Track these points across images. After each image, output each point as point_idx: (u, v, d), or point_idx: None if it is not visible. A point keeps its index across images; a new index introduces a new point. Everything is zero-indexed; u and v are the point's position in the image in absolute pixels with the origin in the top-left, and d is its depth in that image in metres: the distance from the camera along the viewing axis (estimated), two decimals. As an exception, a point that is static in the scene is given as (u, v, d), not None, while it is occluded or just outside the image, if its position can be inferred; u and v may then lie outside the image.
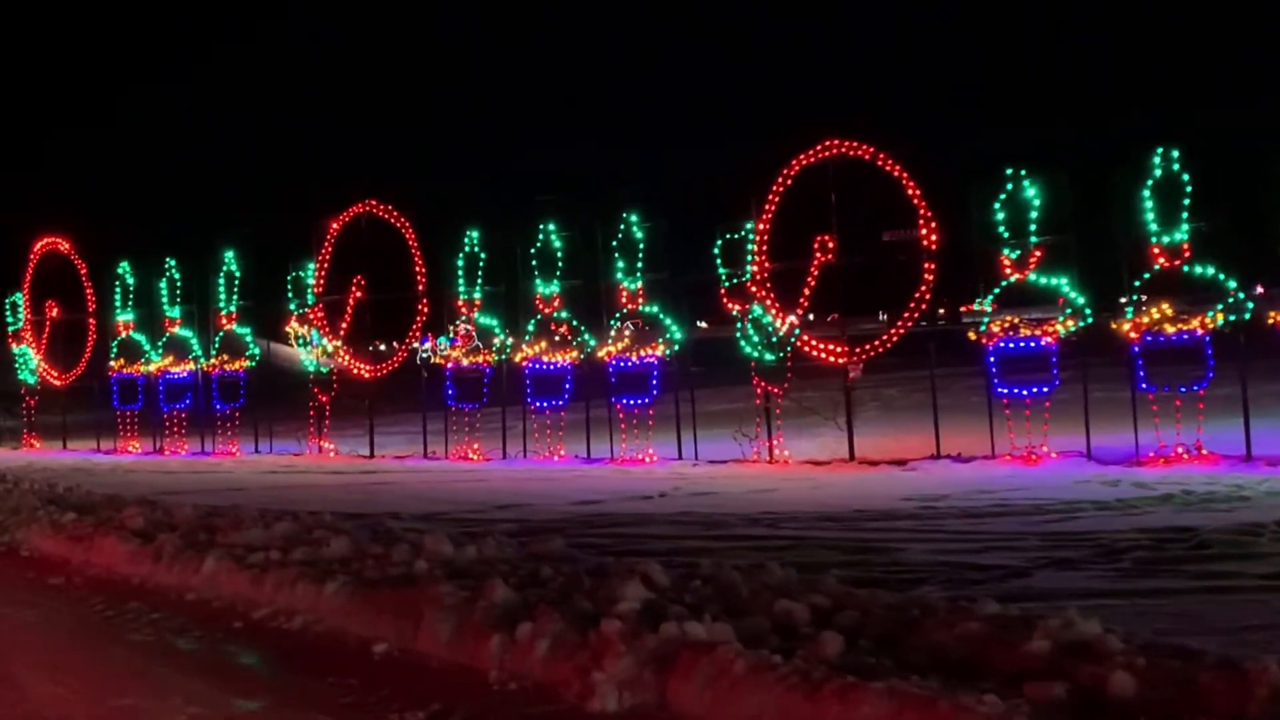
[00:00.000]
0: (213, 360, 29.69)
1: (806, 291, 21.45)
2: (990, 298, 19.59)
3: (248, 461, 27.05)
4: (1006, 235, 19.40)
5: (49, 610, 10.29)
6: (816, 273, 21.29)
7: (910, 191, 20.45)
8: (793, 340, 21.60)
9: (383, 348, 29.07)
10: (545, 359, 24.60)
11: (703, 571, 8.41)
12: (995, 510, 13.57)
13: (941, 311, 23.39)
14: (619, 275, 23.50)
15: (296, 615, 9.21)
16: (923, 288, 20.35)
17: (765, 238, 21.83)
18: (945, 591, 8.47)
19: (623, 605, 7.38)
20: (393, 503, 16.23)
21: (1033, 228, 19.21)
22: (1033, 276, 19.30)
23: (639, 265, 23.33)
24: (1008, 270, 19.44)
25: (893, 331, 20.79)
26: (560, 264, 24.47)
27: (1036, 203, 19.21)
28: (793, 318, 21.47)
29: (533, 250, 24.64)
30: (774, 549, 10.74)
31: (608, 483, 19.04)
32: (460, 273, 25.65)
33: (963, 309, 20.46)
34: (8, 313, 34.62)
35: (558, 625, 7.17)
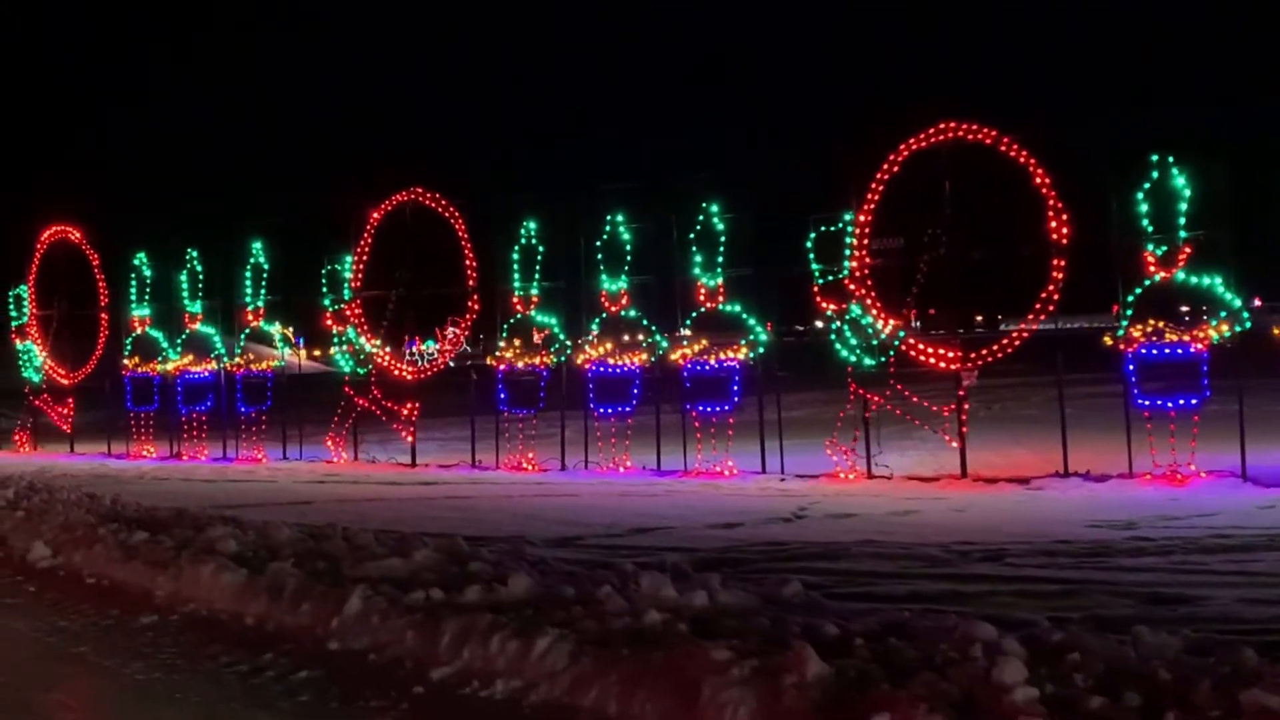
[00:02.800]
0: (237, 359, 27.58)
1: (914, 290, 19.54)
2: (1131, 298, 17.70)
3: (282, 469, 24.95)
4: (1150, 229, 17.52)
5: (164, 666, 8.32)
6: (926, 269, 19.37)
7: (1038, 180, 18.56)
8: (897, 343, 19.68)
9: (421, 347, 27.00)
10: (611, 361, 22.63)
11: (1077, 642, 6.45)
12: (1227, 541, 11.68)
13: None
14: (696, 271, 21.54)
15: (496, 680, 7.27)
16: (1050, 287, 18.45)
17: (867, 230, 19.92)
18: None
19: (1017, 695, 5.43)
20: (499, 523, 14.28)
21: (1181, 221, 17.34)
22: (1180, 275, 17.44)
23: (719, 260, 21.39)
24: (1151, 268, 17.57)
25: (1015, 334, 18.88)
26: (629, 258, 22.49)
27: (1186, 193, 17.34)
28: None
29: (598, 243, 22.65)
30: (1045, 595, 8.85)
31: (711, 499, 17.16)
32: (516, 267, 23.65)
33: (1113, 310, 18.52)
34: (11, 306, 32.36)
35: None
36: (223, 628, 9.26)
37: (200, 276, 28.33)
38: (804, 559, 10.81)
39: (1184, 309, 17.67)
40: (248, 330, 27.43)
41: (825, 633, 6.82)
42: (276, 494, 18.78)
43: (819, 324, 20.94)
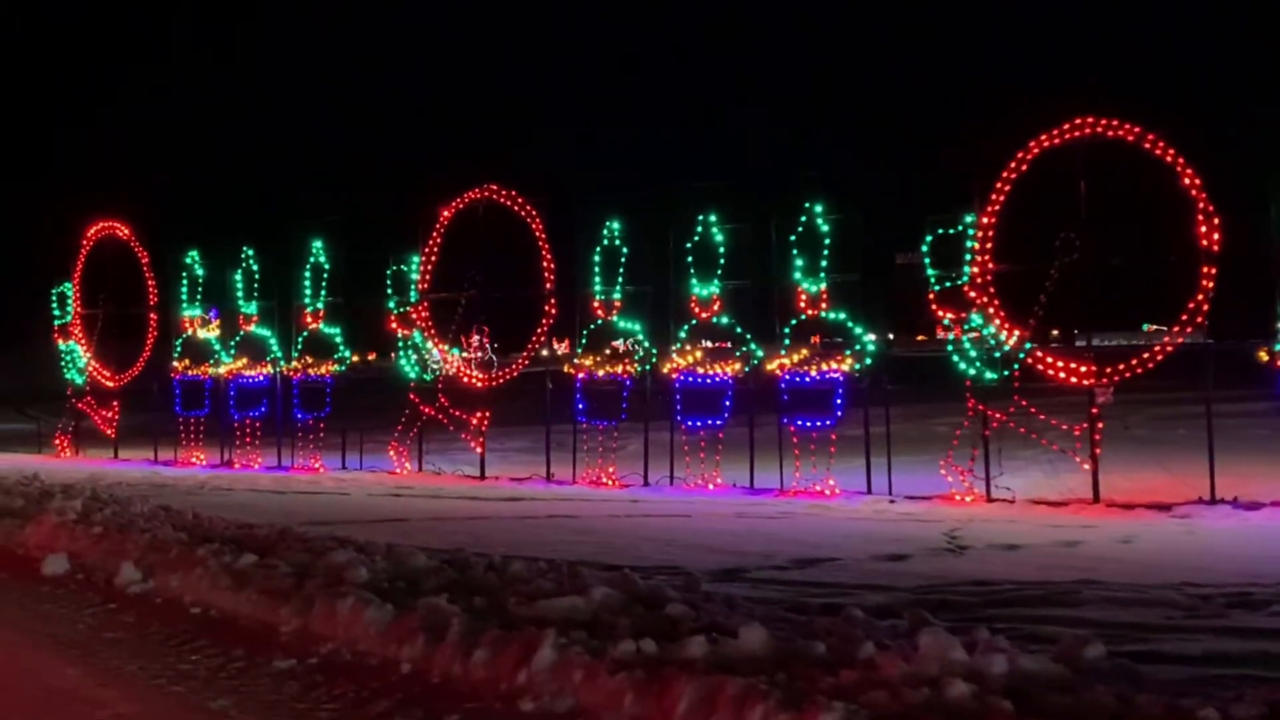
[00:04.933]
0: (294, 363, 26.21)
1: (1043, 298, 18.11)
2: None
3: (346, 479, 23.56)
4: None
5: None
6: (1057, 276, 17.94)
7: (1186, 181, 17.15)
8: (1022, 355, 18.24)
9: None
10: (700, 371, 21.22)
11: None
12: None
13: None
14: (797, 276, 20.13)
15: (763, 762, 5.83)
16: (1199, 296, 17.02)
17: (991, 233, 18.50)
18: None
19: None
20: (634, 549, 12.87)
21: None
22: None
23: (823, 264, 19.98)
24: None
25: (1157, 348, 17.42)
26: (722, 261, 21.09)
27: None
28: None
29: (689, 245, 21.26)
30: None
31: (837, 523, 15.80)
32: (597, 269, 22.27)
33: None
34: (54, 305, 31.03)
35: None
36: (377, 676, 7.86)
37: (256, 276, 27.01)
38: (1025, 604, 9.34)
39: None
40: (305, 333, 26.05)
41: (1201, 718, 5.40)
42: (360, 509, 17.39)
43: (936, 334, 19.50)
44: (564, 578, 9.32)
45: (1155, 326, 17.83)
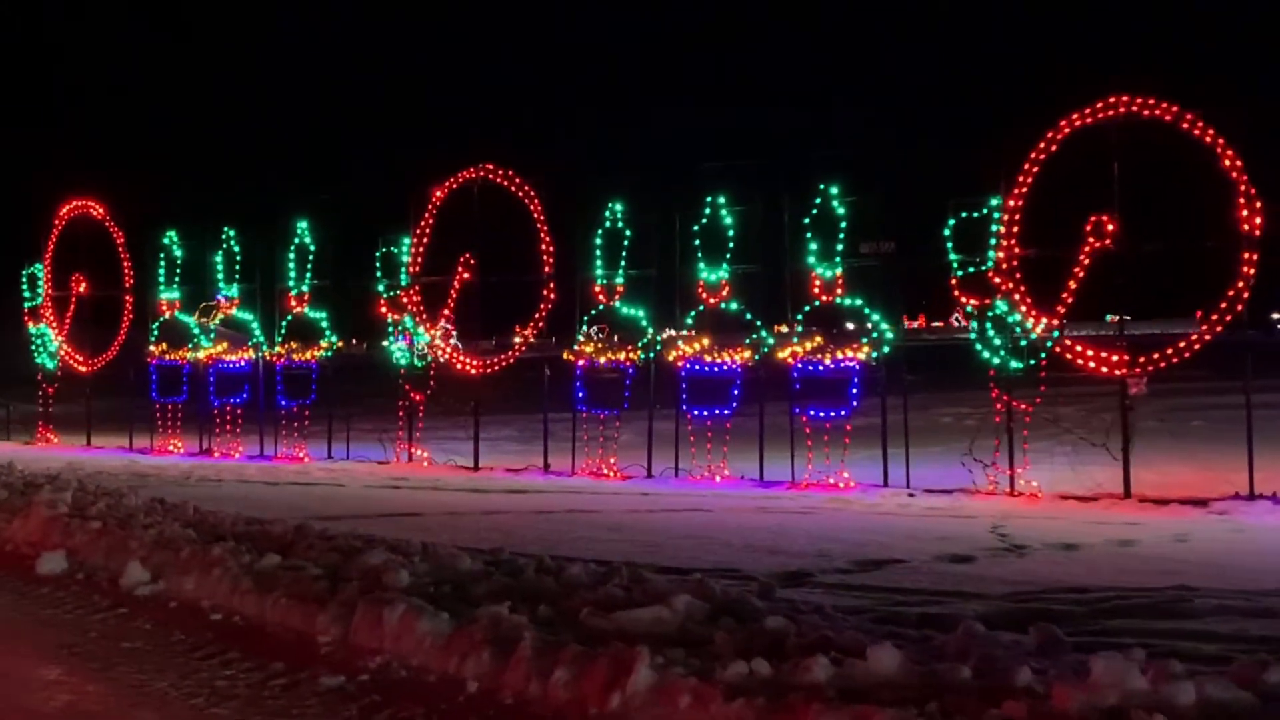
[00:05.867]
0: (278, 349, 25.23)
1: (1073, 284, 17.45)
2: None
3: (336, 470, 22.64)
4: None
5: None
6: (1088, 261, 17.27)
7: (1227, 163, 16.50)
8: (1050, 344, 17.57)
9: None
10: (707, 359, 20.44)
11: None
12: None
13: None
14: (811, 260, 19.38)
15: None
16: (1239, 284, 16.39)
17: (1018, 217, 17.81)
18: None
19: None
20: (677, 548, 12.06)
21: None
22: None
23: (838, 248, 19.24)
24: (1363, 264, 15.53)
25: (1193, 337, 16.75)
26: (731, 245, 20.31)
27: None
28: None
29: (696, 228, 20.48)
30: None
31: (867, 519, 15.09)
32: (598, 253, 21.44)
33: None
34: (24, 287, 29.87)
35: None
36: (440, 697, 7.04)
37: (237, 258, 26.02)
38: (1136, 614, 8.55)
39: None
40: (290, 317, 25.10)
41: None
42: (364, 502, 16.50)
43: (955, 320, 18.76)
44: (628, 583, 8.50)
45: (1189, 315, 17.03)
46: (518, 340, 22.63)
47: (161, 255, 26.99)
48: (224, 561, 10.02)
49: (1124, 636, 7.58)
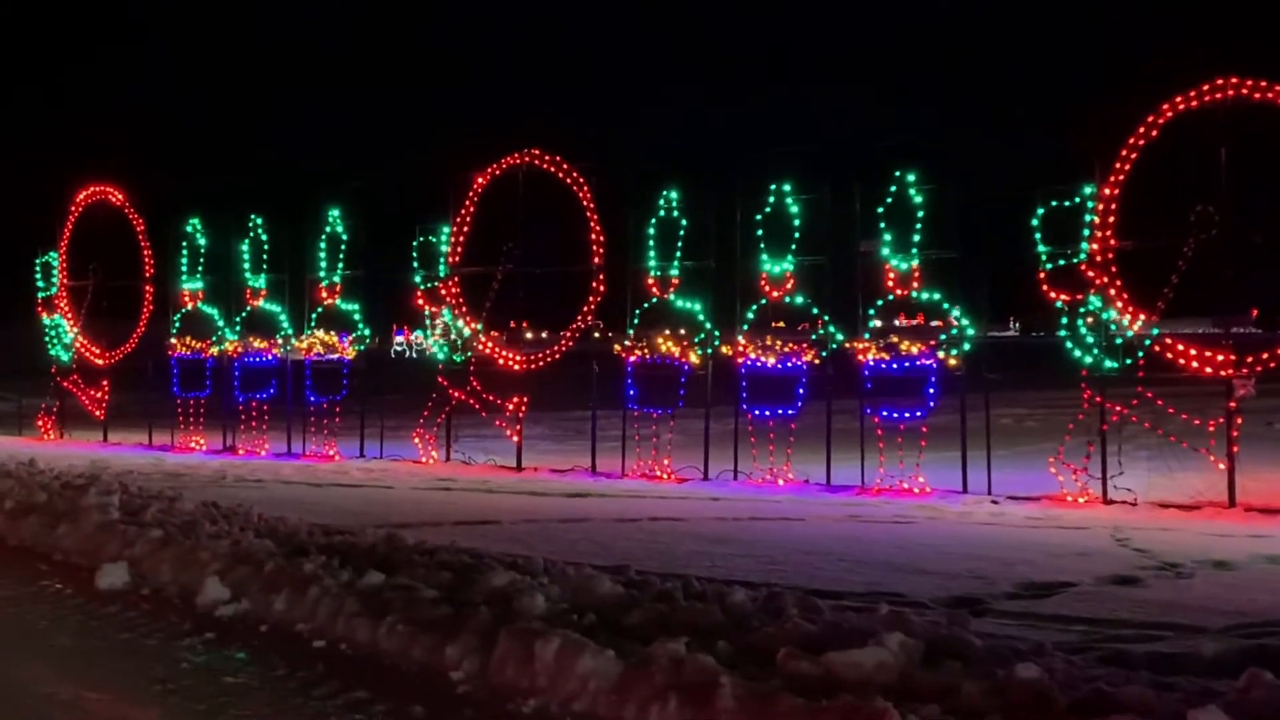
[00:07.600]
0: (307, 342, 24.10)
1: (1174, 279, 16.39)
2: None
3: (374, 469, 21.49)
4: None
5: None
6: (1191, 254, 16.22)
7: (1345, 151, 15.48)
8: (1148, 342, 16.52)
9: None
10: (766, 358, 19.36)
11: None
12: None
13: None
14: (885, 252, 18.32)
15: None
16: (1356, 279, 15.38)
17: (1113, 207, 16.76)
18: None
19: None
20: (807, 565, 10.98)
21: None
22: None
23: (914, 240, 18.18)
24: None
25: (1304, 336, 15.74)
26: (797, 236, 19.23)
27: None
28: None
29: (758, 217, 19.40)
30: None
31: (971, 529, 14.03)
32: (652, 243, 20.35)
33: None
34: (38, 276, 28.67)
35: None
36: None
37: (265, 247, 24.85)
38: None
39: None
40: (320, 309, 23.99)
41: None
42: (429, 507, 15.34)
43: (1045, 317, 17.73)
44: (806, 614, 7.41)
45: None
46: (565, 334, 21.52)
47: (184, 244, 25.83)
48: (319, 579, 8.92)
49: None
